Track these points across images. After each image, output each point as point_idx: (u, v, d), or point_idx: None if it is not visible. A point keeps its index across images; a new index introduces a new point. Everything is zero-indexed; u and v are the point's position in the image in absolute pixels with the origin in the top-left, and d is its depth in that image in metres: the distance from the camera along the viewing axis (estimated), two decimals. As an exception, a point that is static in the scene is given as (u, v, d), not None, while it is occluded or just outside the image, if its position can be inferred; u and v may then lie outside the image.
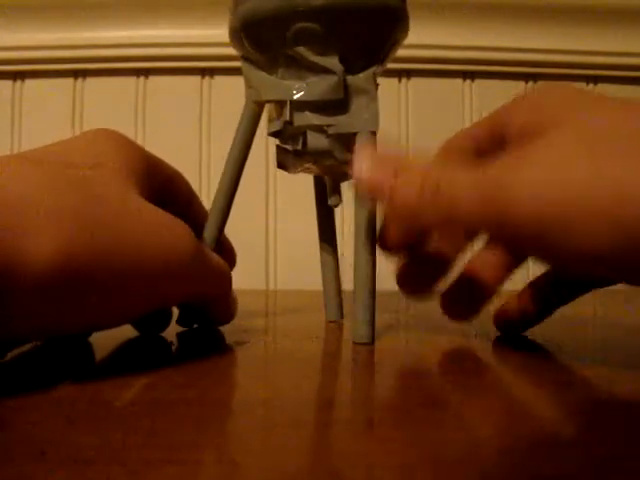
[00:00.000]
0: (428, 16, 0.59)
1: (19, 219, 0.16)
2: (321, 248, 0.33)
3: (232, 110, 0.66)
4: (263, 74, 0.26)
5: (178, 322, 0.27)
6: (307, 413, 0.14)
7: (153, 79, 0.66)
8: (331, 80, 0.24)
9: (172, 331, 0.27)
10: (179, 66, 0.65)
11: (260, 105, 0.27)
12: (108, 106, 0.64)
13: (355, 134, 0.25)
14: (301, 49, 0.24)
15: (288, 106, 0.25)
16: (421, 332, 0.26)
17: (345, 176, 0.28)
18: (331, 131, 0.25)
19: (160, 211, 0.21)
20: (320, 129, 0.25)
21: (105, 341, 0.25)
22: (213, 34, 0.62)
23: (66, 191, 0.18)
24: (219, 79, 0.66)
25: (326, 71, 0.24)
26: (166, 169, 0.26)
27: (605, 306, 0.40)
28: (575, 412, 0.15)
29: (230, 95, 0.66)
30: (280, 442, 0.12)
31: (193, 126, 0.64)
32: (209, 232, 0.28)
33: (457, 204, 0.18)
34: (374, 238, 0.24)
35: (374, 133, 0.25)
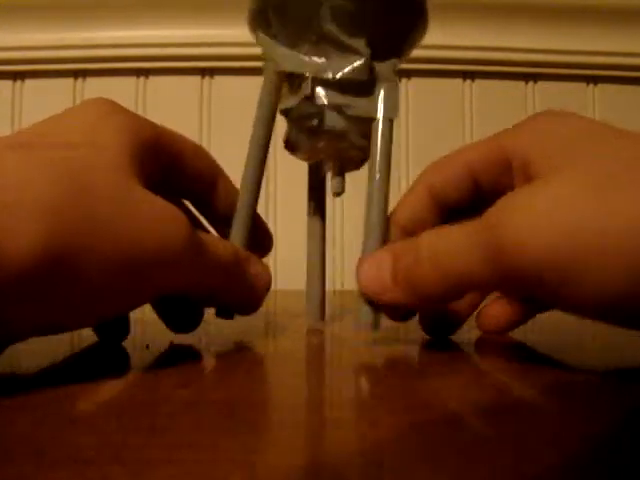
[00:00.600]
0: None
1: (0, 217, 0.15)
2: (308, 244, 0.31)
3: (232, 110, 0.66)
4: (285, 49, 0.26)
5: (217, 314, 0.25)
6: (307, 413, 0.14)
7: (153, 79, 0.66)
8: (357, 61, 0.25)
9: (172, 331, 0.27)
10: (179, 66, 0.65)
11: (280, 77, 0.26)
12: (108, 106, 0.64)
13: (372, 120, 0.25)
14: (332, 27, 0.24)
15: (310, 81, 0.25)
16: (419, 332, 0.26)
17: (353, 163, 0.28)
18: (350, 112, 0.25)
19: (154, 201, 0.20)
20: (339, 109, 0.25)
21: (104, 343, 0.25)
22: (213, 34, 0.62)
23: (52, 181, 0.17)
24: (219, 79, 0.66)
25: (353, 51, 0.25)
26: (176, 143, 0.24)
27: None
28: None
29: (230, 95, 0.66)
30: (280, 442, 0.12)
31: (193, 126, 0.64)
32: (238, 222, 0.26)
33: (456, 266, 0.18)
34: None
35: (392, 121, 0.25)
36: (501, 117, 0.64)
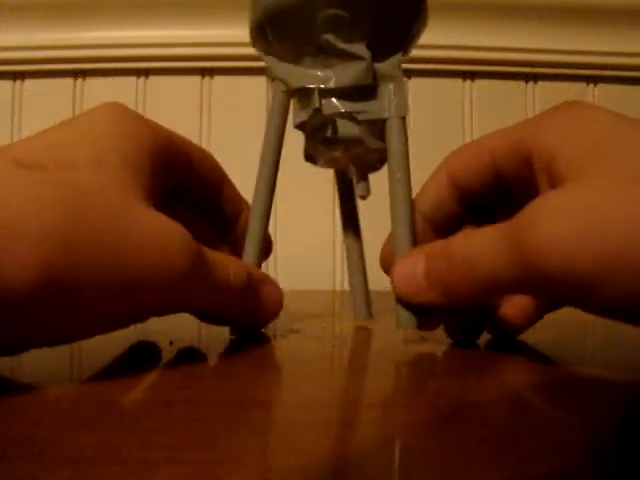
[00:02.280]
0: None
1: (1, 243, 0.15)
2: (347, 247, 0.32)
3: (232, 110, 0.66)
4: (289, 66, 0.26)
5: (232, 334, 0.25)
6: (307, 414, 0.14)
7: (153, 79, 0.66)
8: (359, 66, 0.25)
9: (172, 331, 0.27)
10: (179, 66, 0.65)
11: (288, 95, 0.26)
12: (108, 106, 0.64)
13: (384, 121, 0.25)
14: (329, 37, 0.24)
15: (316, 94, 0.25)
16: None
17: (373, 166, 0.28)
18: (361, 117, 0.25)
19: (158, 219, 0.19)
20: (350, 116, 0.25)
21: (105, 341, 0.25)
22: (213, 34, 0.62)
23: (55, 203, 0.17)
24: (219, 79, 0.66)
25: (354, 58, 0.25)
26: (186, 148, 0.24)
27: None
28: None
29: (230, 95, 0.66)
30: (280, 442, 0.12)
31: (193, 126, 0.64)
32: (251, 241, 0.26)
33: (487, 271, 0.19)
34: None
35: (404, 119, 0.25)
36: (501, 117, 0.64)
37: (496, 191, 0.23)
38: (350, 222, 0.32)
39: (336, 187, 0.32)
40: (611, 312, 0.18)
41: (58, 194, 0.17)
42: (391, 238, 0.25)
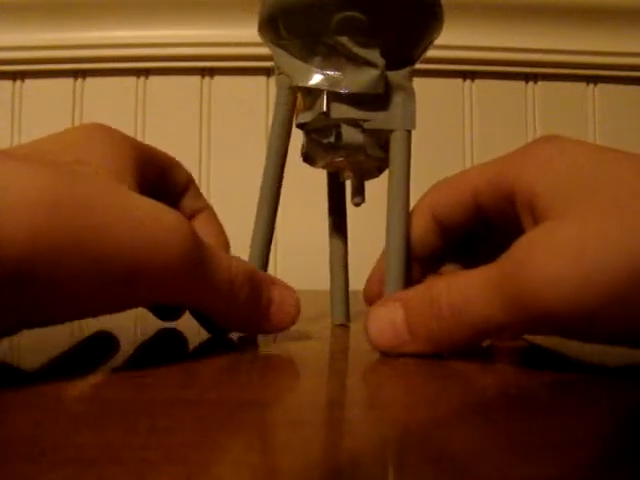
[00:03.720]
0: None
1: None
2: (331, 247, 0.31)
3: (232, 110, 0.66)
4: (298, 62, 0.25)
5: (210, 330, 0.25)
6: (307, 413, 0.14)
7: (153, 79, 0.66)
8: (372, 73, 0.24)
9: (172, 331, 0.27)
10: (179, 66, 0.65)
11: (294, 91, 0.26)
12: (108, 106, 0.64)
13: (390, 132, 0.25)
14: (344, 39, 0.24)
15: (325, 97, 0.24)
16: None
17: (371, 173, 0.28)
18: (367, 126, 0.24)
19: (154, 205, 0.19)
20: (355, 123, 0.25)
21: (104, 341, 0.25)
22: (213, 34, 0.62)
23: (45, 176, 0.17)
24: (219, 79, 0.66)
25: (367, 64, 0.24)
26: (161, 160, 0.24)
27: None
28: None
29: (230, 95, 0.66)
30: (280, 442, 0.12)
31: (193, 126, 0.64)
32: (256, 243, 0.26)
33: (478, 316, 0.18)
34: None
35: (409, 132, 0.25)
36: (501, 117, 0.64)
37: (477, 225, 0.23)
38: (337, 224, 0.31)
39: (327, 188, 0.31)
40: (615, 340, 0.18)
41: (48, 171, 0.17)
42: (379, 267, 0.25)
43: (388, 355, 0.21)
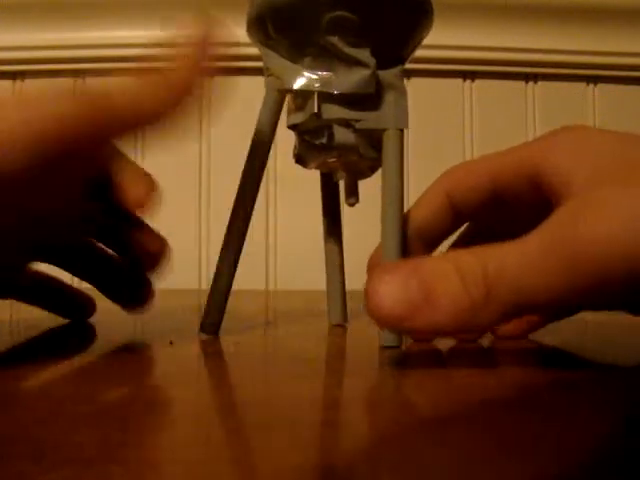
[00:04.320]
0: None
1: None
2: (326, 248, 0.31)
3: (232, 110, 0.66)
4: (287, 62, 0.25)
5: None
6: (307, 413, 0.14)
7: (153, 79, 0.66)
8: (363, 73, 0.24)
9: (171, 331, 0.27)
10: (179, 66, 0.65)
11: (282, 94, 0.26)
12: (108, 106, 0.64)
13: (383, 131, 0.24)
14: (334, 39, 0.23)
15: (316, 97, 0.24)
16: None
17: (363, 173, 0.28)
18: (359, 126, 0.24)
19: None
20: (347, 123, 0.24)
21: (105, 341, 0.25)
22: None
23: None
24: (219, 79, 0.66)
25: (358, 64, 0.24)
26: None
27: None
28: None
29: (230, 95, 0.66)
30: (280, 442, 0.12)
31: (193, 125, 0.64)
32: (229, 242, 0.25)
33: (521, 284, 0.16)
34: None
35: (402, 131, 0.25)
36: (501, 117, 0.64)
37: (491, 212, 0.23)
38: (332, 225, 0.31)
39: (321, 189, 0.31)
40: None
41: None
42: (379, 251, 0.25)
43: (390, 347, 0.21)
